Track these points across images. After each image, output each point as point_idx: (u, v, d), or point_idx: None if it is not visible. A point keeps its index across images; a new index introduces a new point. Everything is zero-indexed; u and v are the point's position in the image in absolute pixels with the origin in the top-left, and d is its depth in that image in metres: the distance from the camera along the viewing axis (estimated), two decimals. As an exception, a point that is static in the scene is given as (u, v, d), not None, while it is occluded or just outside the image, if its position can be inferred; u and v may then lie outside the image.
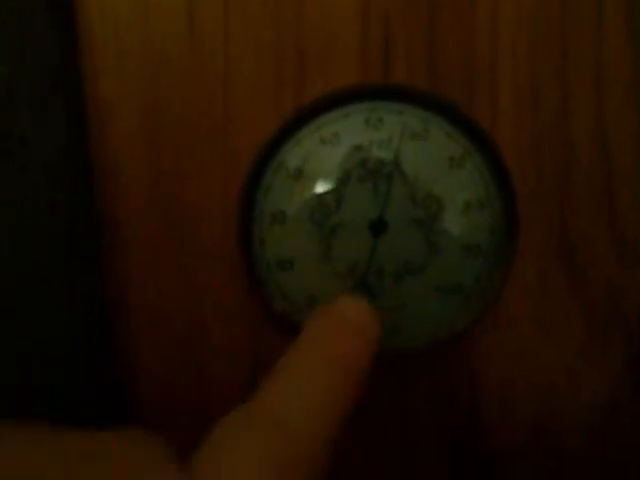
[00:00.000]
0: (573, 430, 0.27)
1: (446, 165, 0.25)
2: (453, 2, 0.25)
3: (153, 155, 0.25)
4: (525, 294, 0.26)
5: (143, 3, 0.25)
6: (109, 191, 0.25)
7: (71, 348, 0.24)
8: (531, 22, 0.26)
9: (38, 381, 0.24)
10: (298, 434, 0.18)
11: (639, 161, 0.26)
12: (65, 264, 0.24)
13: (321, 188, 0.25)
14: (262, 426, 0.18)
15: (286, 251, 0.25)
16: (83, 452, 0.17)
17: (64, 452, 0.17)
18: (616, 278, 0.26)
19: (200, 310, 0.26)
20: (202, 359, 0.26)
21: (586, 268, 0.26)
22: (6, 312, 0.24)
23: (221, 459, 0.18)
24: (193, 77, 0.25)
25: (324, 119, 0.25)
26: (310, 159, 0.25)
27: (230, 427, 0.18)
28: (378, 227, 0.25)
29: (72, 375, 0.24)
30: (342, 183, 0.25)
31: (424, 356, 0.26)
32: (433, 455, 0.27)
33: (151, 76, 0.25)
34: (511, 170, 0.26)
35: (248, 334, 0.26)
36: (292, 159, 0.25)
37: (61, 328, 0.25)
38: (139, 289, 0.26)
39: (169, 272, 0.26)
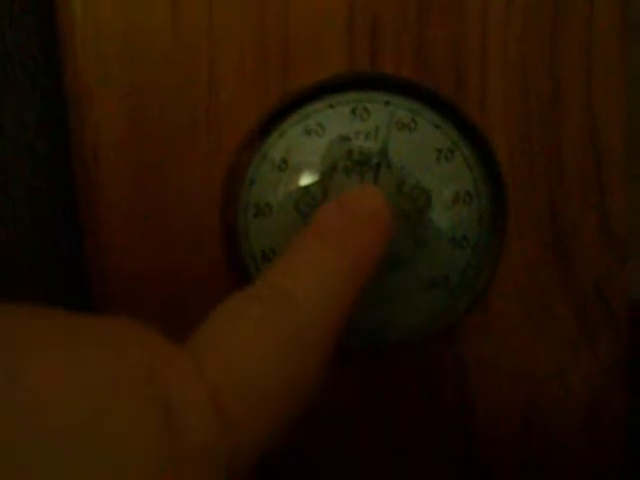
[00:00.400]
0: (561, 424, 0.27)
1: (434, 157, 0.25)
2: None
3: (135, 146, 0.25)
4: (514, 287, 0.26)
5: (125, 3, 0.24)
6: (90, 181, 0.25)
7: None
8: (521, 12, 0.25)
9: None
10: (308, 313, 0.17)
11: (626, 152, 0.26)
12: (46, 253, 0.24)
13: (307, 179, 0.25)
14: (270, 300, 0.17)
15: (271, 243, 0.25)
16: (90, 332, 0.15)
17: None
18: (605, 271, 0.26)
19: (183, 304, 0.26)
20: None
21: (575, 260, 0.26)
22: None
23: (225, 331, 0.17)
24: (176, 67, 0.24)
25: (309, 109, 0.25)
26: (295, 150, 0.25)
27: (236, 300, 0.18)
28: (365, 219, 0.25)
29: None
30: (328, 174, 0.25)
31: (413, 349, 0.26)
32: (421, 447, 0.27)
33: (133, 67, 0.24)
34: (500, 162, 0.25)
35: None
36: (277, 150, 0.25)
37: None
38: (120, 282, 0.25)
39: (151, 266, 0.25)
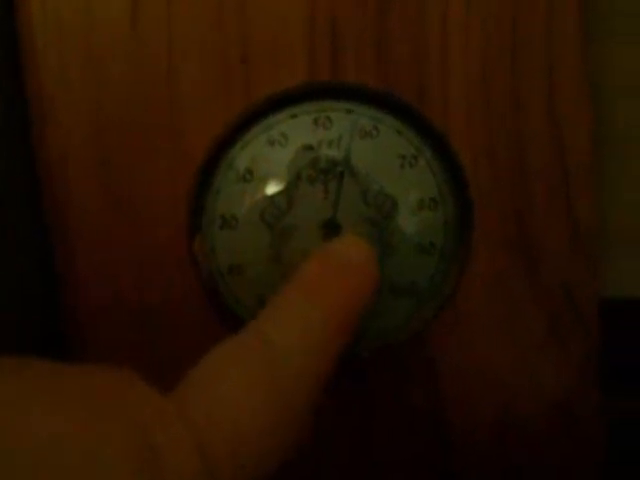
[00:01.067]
0: (533, 425, 0.27)
1: (398, 163, 0.25)
2: (402, 1, 0.25)
3: (98, 156, 0.25)
4: (481, 291, 0.26)
5: (85, 3, 0.24)
6: (55, 188, 0.25)
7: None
8: (481, 19, 0.26)
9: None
10: (292, 366, 0.18)
11: (593, 154, 0.26)
12: (16, 264, 0.24)
13: (271, 189, 0.25)
14: (256, 351, 0.18)
15: (237, 256, 0.25)
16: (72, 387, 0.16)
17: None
18: (572, 273, 0.26)
19: (154, 315, 0.26)
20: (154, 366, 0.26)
21: (542, 263, 0.26)
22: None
23: (211, 381, 0.17)
24: (137, 79, 0.25)
25: (272, 120, 0.25)
26: (259, 160, 0.25)
27: (221, 351, 0.18)
28: (330, 228, 0.25)
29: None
30: (293, 184, 0.25)
31: (382, 356, 0.26)
32: (397, 455, 0.27)
33: (95, 78, 0.25)
34: (464, 168, 0.26)
35: (201, 340, 0.26)
36: (241, 161, 0.25)
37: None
38: (90, 294, 0.25)
39: (121, 278, 0.25)
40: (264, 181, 0.25)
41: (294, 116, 0.25)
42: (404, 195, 0.25)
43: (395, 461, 0.27)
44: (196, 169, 0.25)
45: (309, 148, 0.25)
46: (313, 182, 0.25)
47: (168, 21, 0.25)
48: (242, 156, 0.25)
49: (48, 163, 0.25)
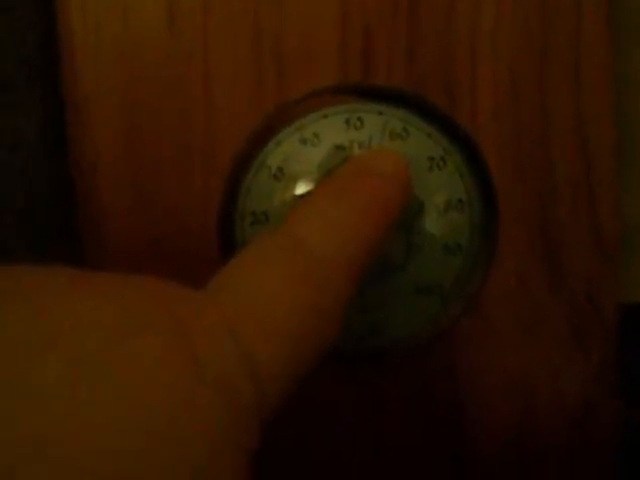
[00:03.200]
0: (554, 428, 0.27)
1: (426, 165, 0.26)
2: (433, 5, 0.26)
3: (132, 154, 0.25)
4: (505, 293, 0.27)
5: (123, 4, 0.25)
6: (88, 189, 0.25)
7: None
8: (510, 26, 0.26)
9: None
10: (323, 258, 0.18)
11: (617, 159, 0.27)
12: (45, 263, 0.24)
13: (302, 188, 0.25)
14: (286, 249, 0.18)
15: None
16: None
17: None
18: (595, 277, 0.27)
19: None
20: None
21: (566, 267, 0.27)
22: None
23: (244, 277, 0.17)
24: (172, 78, 0.25)
25: (305, 120, 0.25)
26: (291, 159, 0.25)
27: (252, 250, 0.18)
28: (359, 226, 0.25)
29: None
30: (323, 183, 0.25)
31: (405, 354, 0.27)
32: (414, 453, 0.27)
33: (130, 76, 0.25)
34: (491, 170, 0.26)
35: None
36: (273, 159, 0.25)
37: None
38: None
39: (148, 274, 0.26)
40: (295, 179, 0.25)
41: (326, 116, 0.25)
42: (431, 196, 0.26)
43: (410, 459, 0.27)
44: (228, 167, 0.25)
45: (341, 148, 0.25)
46: (343, 182, 0.25)
47: (204, 22, 0.25)
48: (275, 154, 0.25)
49: (81, 164, 0.25)
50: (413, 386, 0.27)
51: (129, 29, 0.25)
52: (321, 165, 0.25)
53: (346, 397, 0.27)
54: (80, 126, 0.25)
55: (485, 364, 0.27)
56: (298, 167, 0.25)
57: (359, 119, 0.25)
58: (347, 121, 0.25)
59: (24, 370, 0.12)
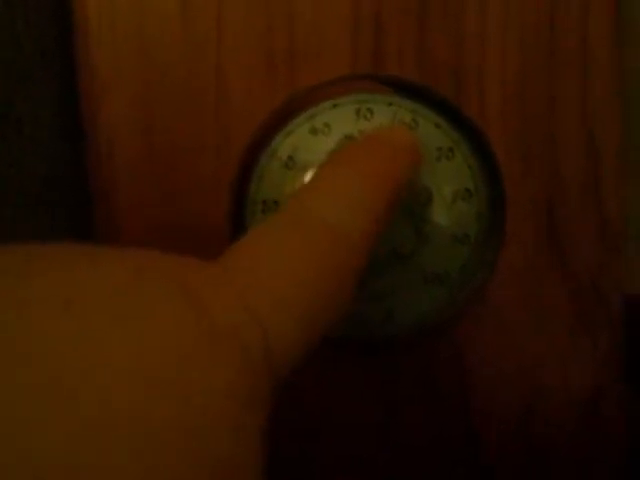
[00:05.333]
0: (561, 414, 0.28)
1: (435, 155, 0.26)
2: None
3: (146, 141, 0.26)
4: (512, 281, 0.27)
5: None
6: (104, 177, 0.26)
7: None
8: (518, 19, 0.26)
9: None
10: (335, 231, 0.18)
11: (622, 150, 0.27)
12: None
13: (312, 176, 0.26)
14: (298, 223, 0.18)
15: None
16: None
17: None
18: (601, 266, 0.27)
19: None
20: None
21: (571, 256, 0.27)
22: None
23: (256, 246, 0.17)
24: (186, 66, 0.26)
25: (315, 109, 0.26)
26: (302, 148, 0.26)
27: (264, 227, 0.18)
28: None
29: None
30: (333, 172, 0.26)
31: (412, 341, 0.27)
32: (422, 440, 0.28)
33: (144, 68, 0.25)
34: (498, 160, 0.26)
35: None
36: (284, 148, 0.26)
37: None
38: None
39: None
40: (306, 168, 0.26)
41: (336, 106, 0.26)
42: (440, 186, 0.26)
43: (420, 447, 0.28)
44: (241, 156, 0.26)
45: (351, 138, 0.26)
46: (353, 171, 0.26)
47: (217, 15, 0.25)
48: (286, 143, 0.26)
49: (96, 154, 0.26)
50: (422, 373, 0.27)
51: (144, 22, 0.25)
52: (331, 154, 0.26)
53: (355, 384, 0.27)
54: (95, 117, 0.26)
55: (492, 351, 0.27)
56: (309, 156, 0.26)
57: (369, 110, 0.26)
58: (357, 111, 0.26)
59: (42, 326, 0.13)
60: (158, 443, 0.12)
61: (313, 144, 0.26)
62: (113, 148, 0.26)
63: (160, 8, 0.25)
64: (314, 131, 0.26)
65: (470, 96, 0.26)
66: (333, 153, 0.20)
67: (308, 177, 0.26)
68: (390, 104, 0.26)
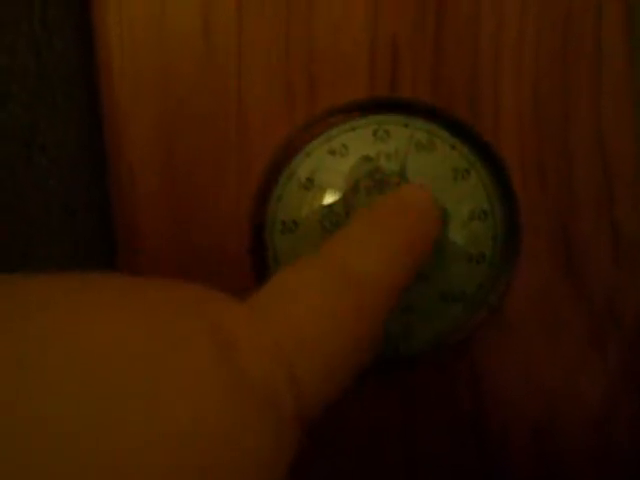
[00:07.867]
0: (572, 433, 0.28)
1: (451, 176, 0.26)
2: (458, 22, 0.27)
3: (167, 165, 0.26)
4: (527, 301, 0.27)
5: (159, 18, 0.26)
6: (125, 200, 0.26)
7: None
8: (533, 41, 0.27)
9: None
10: (365, 280, 0.18)
11: (638, 171, 0.27)
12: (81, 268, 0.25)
13: (331, 198, 0.26)
14: (329, 270, 0.18)
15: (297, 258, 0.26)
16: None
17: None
18: (615, 285, 0.27)
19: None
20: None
21: (586, 275, 0.27)
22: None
23: (286, 290, 0.17)
24: (207, 90, 0.26)
25: (333, 131, 0.26)
26: (320, 169, 0.26)
27: (294, 271, 0.18)
28: (386, 235, 0.26)
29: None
30: (351, 193, 0.26)
31: (429, 359, 0.27)
32: (438, 456, 0.28)
33: (166, 89, 0.26)
34: (514, 181, 0.27)
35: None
36: (303, 169, 0.26)
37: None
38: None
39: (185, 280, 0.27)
40: (324, 189, 0.26)
41: (355, 128, 0.26)
42: (456, 206, 0.26)
43: (433, 460, 0.28)
44: (260, 177, 0.26)
45: (368, 159, 0.26)
46: (370, 192, 0.26)
47: (238, 39, 0.26)
48: (304, 164, 0.26)
49: (118, 177, 0.26)
50: (437, 389, 0.28)
51: (165, 45, 0.26)
52: (349, 175, 0.26)
53: (373, 400, 0.27)
54: (117, 140, 0.26)
55: (508, 370, 0.27)
56: (327, 177, 0.26)
57: (386, 131, 0.26)
58: (374, 133, 0.26)
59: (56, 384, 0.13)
60: None
61: (331, 165, 0.26)
62: (134, 177, 0.26)
63: (181, 40, 0.26)
64: (332, 152, 0.26)
65: (484, 116, 0.27)
66: (360, 210, 0.21)
67: (326, 198, 0.26)
68: (406, 125, 0.26)
